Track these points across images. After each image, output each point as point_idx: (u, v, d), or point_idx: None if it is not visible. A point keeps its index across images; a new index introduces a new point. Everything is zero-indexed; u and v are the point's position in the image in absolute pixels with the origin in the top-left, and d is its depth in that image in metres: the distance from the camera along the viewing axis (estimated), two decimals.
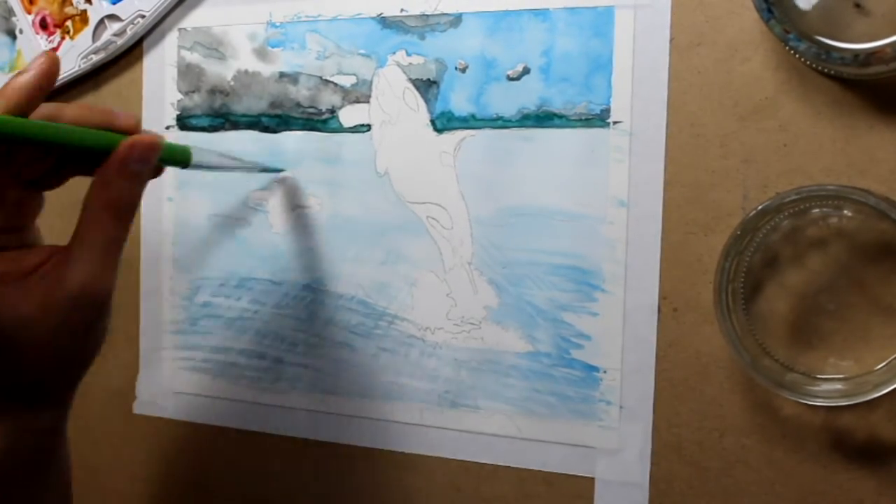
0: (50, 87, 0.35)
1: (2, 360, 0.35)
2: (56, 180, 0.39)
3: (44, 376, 0.37)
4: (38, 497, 0.39)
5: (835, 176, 0.40)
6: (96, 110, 0.37)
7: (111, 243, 0.36)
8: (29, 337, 0.35)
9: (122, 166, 0.36)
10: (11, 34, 0.58)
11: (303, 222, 0.51)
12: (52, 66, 0.35)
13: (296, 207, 0.51)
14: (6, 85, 0.34)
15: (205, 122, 0.53)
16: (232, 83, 0.52)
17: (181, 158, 0.42)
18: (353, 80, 0.49)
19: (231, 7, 0.52)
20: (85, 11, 0.55)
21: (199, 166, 0.44)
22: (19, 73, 0.34)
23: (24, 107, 0.34)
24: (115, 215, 0.36)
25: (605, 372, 0.44)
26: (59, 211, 0.41)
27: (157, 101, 0.54)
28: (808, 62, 0.38)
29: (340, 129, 0.50)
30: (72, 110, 0.36)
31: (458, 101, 0.47)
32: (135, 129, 0.38)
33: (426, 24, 0.47)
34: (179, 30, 0.54)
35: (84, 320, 0.36)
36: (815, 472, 0.41)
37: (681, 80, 0.42)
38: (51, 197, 0.40)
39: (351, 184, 0.49)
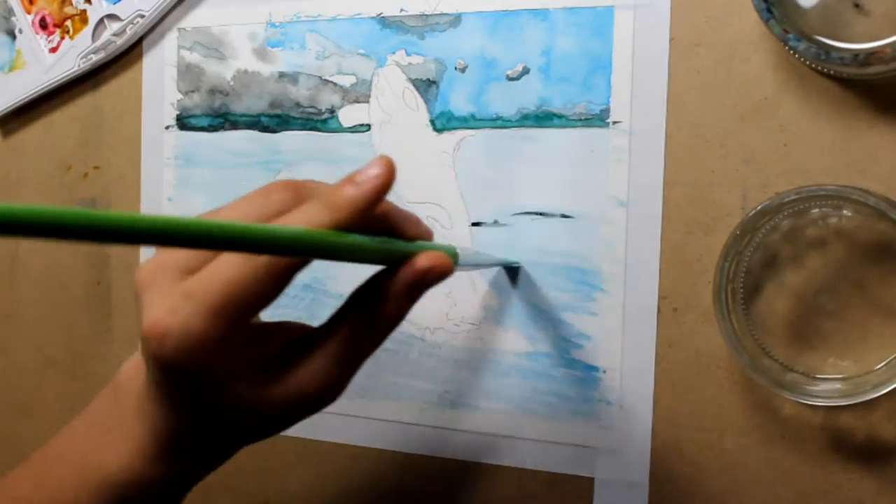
0: (380, 203, 0.31)
1: (220, 432, 0.33)
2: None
3: (233, 448, 0.35)
4: None
5: (834, 176, 0.40)
6: (401, 217, 0.33)
7: (362, 360, 0.33)
8: (250, 423, 0.33)
9: (410, 288, 0.31)
10: (11, 34, 0.58)
11: None
12: (388, 180, 0.30)
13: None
14: (336, 192, 0.30)
15: (204, 121, 0.53)
16: (232, 83, 0.52)
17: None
18: (352, 79, 0.49)
19: (231, 7, 0.52)
20: (84, 11, 0.55)
21: (459, 268, 0.38)
22: (352, 182, 0.30)
23: (352, 223, 0.29)
24: (382, 334, 0.33)
25: (604, 372, 0.44)
26: None
27: (156, 101, 0.54)
28: (807, 62, 0.38)
29: (340, 129, 0.50)
30: (392, 220, 0.32)
31: (458, 100, 0.47)
32: (418, 237, 0.33)
33: (426, 24, 0.47)
34: (179, 30, 0.54)
35: (300, 418, 0.33)
36: (815, 472, 0.41)
37: (680, 80, 0.42)
38: None
39: None
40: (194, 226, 0.24)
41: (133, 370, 0.34)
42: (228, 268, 0.29)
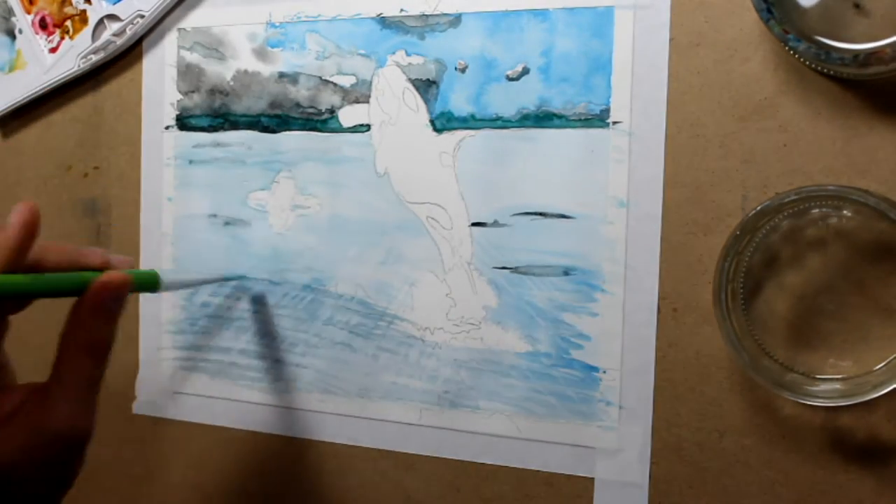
0: (33, 240, 0.36)
1: None
2: (20, 306, 0.39)
3: None
4: None
5: (834, 176, 0.40)
6: (66, 251, 0.38)
7: (89, 383, 0.36)
8: (10, 477, 0.35)
9: (95, 306, 0.36)
10: (11, 34, 0.58)
11: (303, 222, 0.51)
12: (33, 219, 0.36)
13: (296, 207, 0.51)
14: None
15: (204, 122, 0.53)
16: (232, 83, 0.52)
17: (150, 284, 0.44)
18: (352, 80, 0.49)
19: (231, 7, 0.52)
20: (84, 11, 0.55)
21: (168, 288, 0.46)
22: (2, 231, 0.35)
23: (13, 264, 0.35)
24: (91, 354, 0.36)
25: (604, 372, 0.44)
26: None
27: (156, 102, 0.54)
28: (807, 62, 0.38)
29: (340, 129, 0.50)
30: (51, 256, 0.37)
31: (458, 101, 0.47)
32: (104, 266, 0.38)
33: (426, 24, 0.47)
34: (179, 30, 0.54)
35: (63, 459, 0.36)
36: (815, 472, 0.41)
37: (680, 80, 0.42)
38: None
39: (351, 184, 0.49)
40: None
41: None
42: None
